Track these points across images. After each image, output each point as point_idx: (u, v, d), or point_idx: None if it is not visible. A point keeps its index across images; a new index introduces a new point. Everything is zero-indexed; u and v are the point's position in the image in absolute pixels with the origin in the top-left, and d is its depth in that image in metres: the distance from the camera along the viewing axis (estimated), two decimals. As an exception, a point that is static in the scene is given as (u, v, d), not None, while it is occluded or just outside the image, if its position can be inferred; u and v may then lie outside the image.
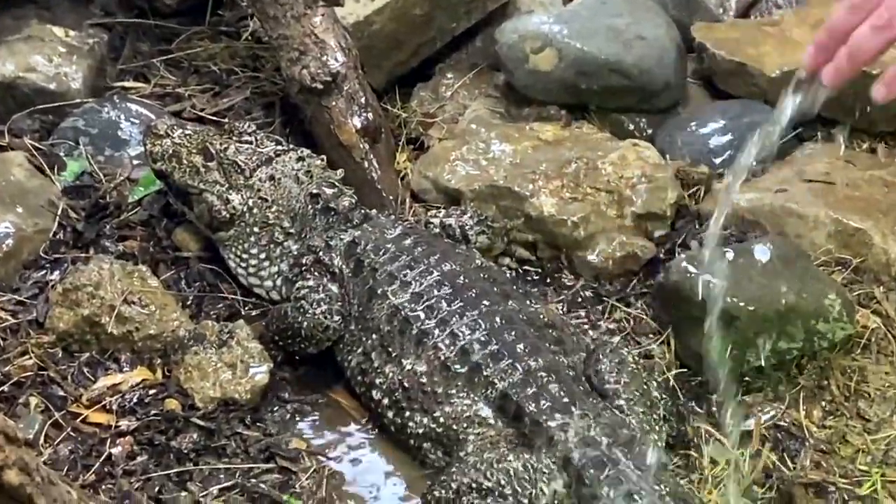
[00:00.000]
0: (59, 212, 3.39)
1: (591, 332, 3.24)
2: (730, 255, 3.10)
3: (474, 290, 2.97)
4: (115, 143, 3.68)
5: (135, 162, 3.63)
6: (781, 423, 3.00)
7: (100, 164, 3.61)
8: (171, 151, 3.33)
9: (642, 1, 3.88)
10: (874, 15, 2.07)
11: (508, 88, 3.85)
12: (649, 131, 3.81)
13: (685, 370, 3.11)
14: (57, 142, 3.66)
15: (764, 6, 4.22)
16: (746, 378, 3.07)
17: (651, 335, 3.22)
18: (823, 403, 3.05)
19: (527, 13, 3.98)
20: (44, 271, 3.27)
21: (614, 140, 3.66)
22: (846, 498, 2.81)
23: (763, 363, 3.04)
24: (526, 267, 3.47)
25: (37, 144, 3.62)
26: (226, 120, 3.77)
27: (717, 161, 3.68)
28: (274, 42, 3.64)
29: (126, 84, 3.96)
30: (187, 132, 3.37)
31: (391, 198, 3.56)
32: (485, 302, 2.94)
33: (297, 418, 3.02)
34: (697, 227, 3.48)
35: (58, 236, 3.36)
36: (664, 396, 2.90)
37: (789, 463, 2.91)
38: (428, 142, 3.76)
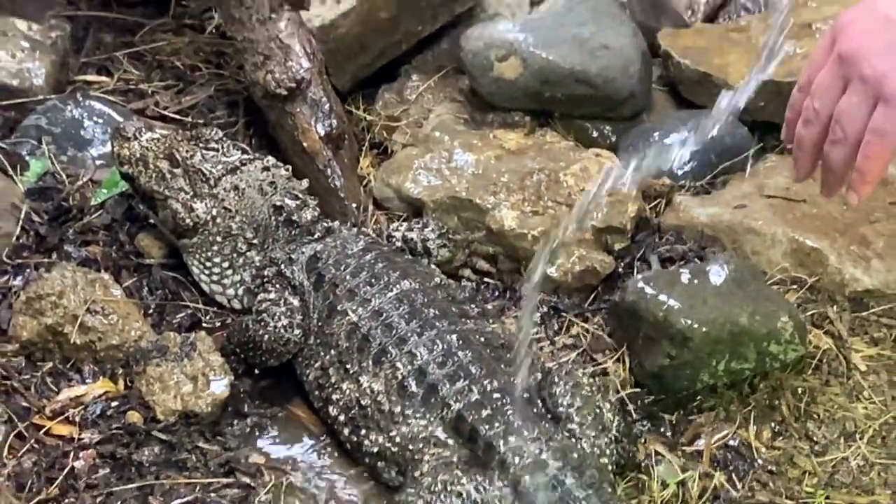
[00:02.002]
0: (23, 215, 3.34)
1: (547, 349, 3.26)
2: (685, 276, 3.14)
3: (432, 310, 2.98)
4: (78, 143, 3.62)
5: (98, 162, 3.58)
6: (731, 443, 3.04)
7: (62, 164, 3.55)
8: (138, 155, 3.31)
9: (608, 9, 3.84)
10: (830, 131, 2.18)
11: (473, 94, 3.83)
12: (613, 138, 3.80)
13: (639, 389, 3.15)
14: (19, 140, 3.60)
15: (732, 9, 4.18)
16: (699, 397, 3.11)
17: (607, 352, 3.23)
18: (773, 424, 3.08)
19: (494, 15, 3.96)
20: (6, 276, 3.23)
21: (578, 149, 3.65)
22: (791, 520, 2.84)
23: (716, 382, 3.08)
24: (486, 279, 3.48)
25: (-1, 143, 3.57)
26: (189, 118, 3.74)
27: (680, 173, 3.67)
28: (238, 45, 3.60)
29: (88, 78, 3.88)
30: (154, 136, 3.34)
31: (353, 206, 3.55)
32: (443, 322, 2.95)
33: (257, 432, 3.03)
34: (657, 240, 3.49)
35: (21, 240, 3.32)
36: (617, 418, 2.93)
37: (737, 483, 2.94)
38: (391, 147, 3.75)
